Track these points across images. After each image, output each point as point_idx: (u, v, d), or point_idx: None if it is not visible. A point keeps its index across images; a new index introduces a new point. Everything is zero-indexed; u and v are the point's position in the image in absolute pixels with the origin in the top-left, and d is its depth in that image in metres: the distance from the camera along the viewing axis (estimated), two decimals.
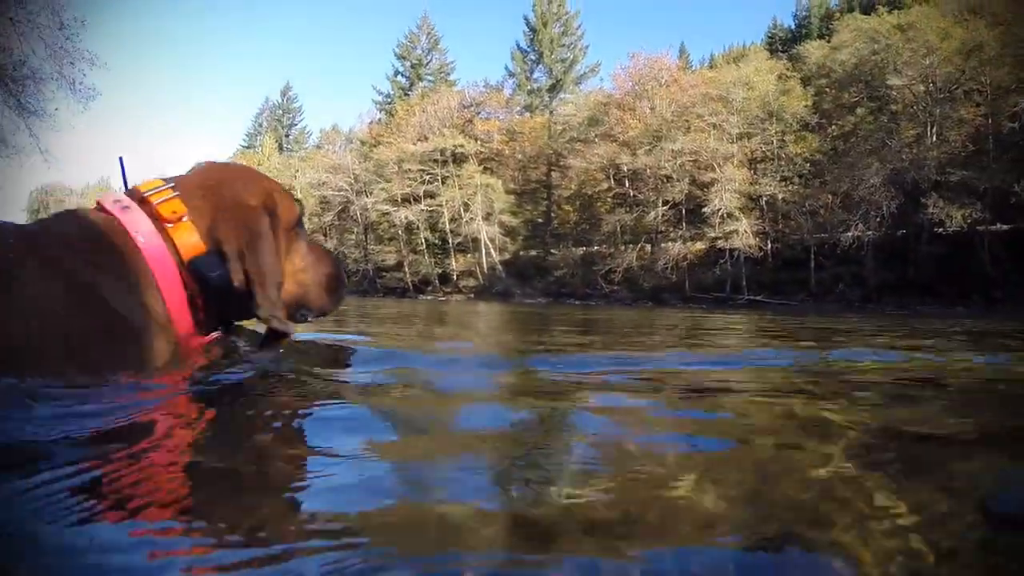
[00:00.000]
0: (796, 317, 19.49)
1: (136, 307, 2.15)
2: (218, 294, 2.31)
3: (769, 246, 49.23)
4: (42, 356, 1.89)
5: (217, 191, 2.39)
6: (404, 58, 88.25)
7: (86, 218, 2.23)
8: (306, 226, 2.99)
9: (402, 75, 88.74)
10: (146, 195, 2.33)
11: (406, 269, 68.49)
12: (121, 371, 2.05)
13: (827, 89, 50.18)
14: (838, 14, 69.05)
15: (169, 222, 2.28)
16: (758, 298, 45.27)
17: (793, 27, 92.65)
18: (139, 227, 2.23)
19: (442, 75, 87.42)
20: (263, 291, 2.32)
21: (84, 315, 1.99)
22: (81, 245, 2.10)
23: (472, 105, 70.98)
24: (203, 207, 2.34)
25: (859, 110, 48.26)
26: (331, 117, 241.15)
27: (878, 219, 43.89)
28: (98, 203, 2.33)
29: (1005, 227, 41.06)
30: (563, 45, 76.09)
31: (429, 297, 61.98)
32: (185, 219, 2.30)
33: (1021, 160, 39.84)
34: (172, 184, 2.40)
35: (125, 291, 2.12)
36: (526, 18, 77.50)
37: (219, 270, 2.28)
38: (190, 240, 2.29)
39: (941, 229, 41.39)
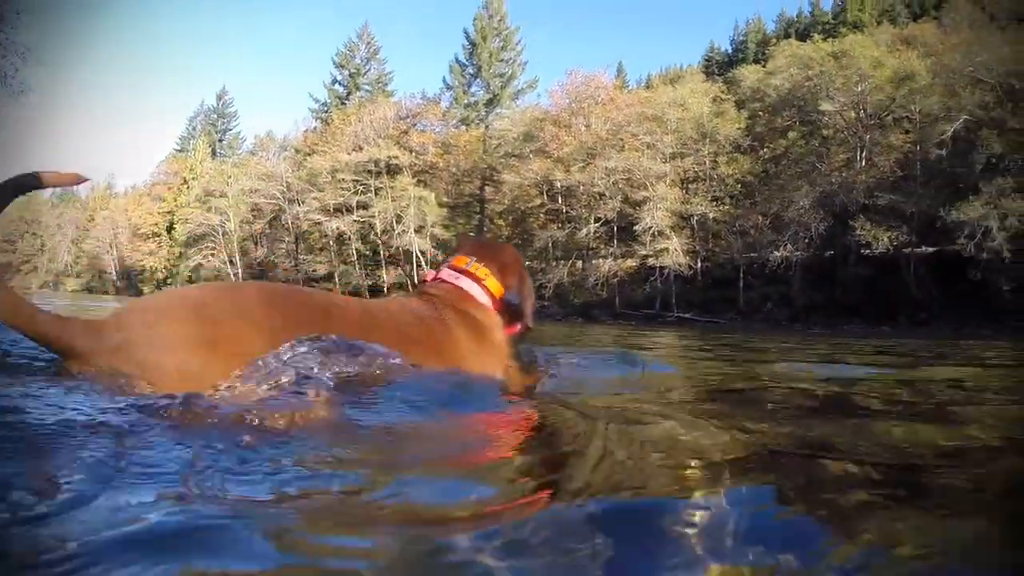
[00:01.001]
0: (724, 335, 20.54)
1: (490, 322, 3.48)
2: (511, 310, 3.64)
3: (699, 264, 49.65)
4: (462, 342, 3.22)
5: (498, 258, 3.70)
6: (343, 67, 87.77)
7: (445, 283, 3.50)
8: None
9: (340, 84, 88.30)
10: (466, 267, 3.59)
11: (337, 280, 67.99)
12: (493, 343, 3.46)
13: (760, 112, 50.87)
14: (774, 40, 70.25)
15: (481, 279, 3.56)
16: (687, 316, 45.58)
17: (730, 51, 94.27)
18: (470, 285, 3.51)
19: (380, 85, 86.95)
20: (530, 308, 3.75)
21: (471, 327, 3.31)
22: (454, 297, 3.40)
23: (408, 116, 70.61)
24: (494, 268, 3.62)
25: (791, 134, 48.96)
26: (266, 123, 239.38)
27: (807, 240, 44.70)
28: (437, 277, 3.59)
29: (930, 250, 42.28)
30: (502, 60, 76.30)
31: None
32: (489, 276, 3.59)
33: (947, 186, 41.09)
34: (473, 257, 3.65)
35: (481, 315, 3.44)
36: (466, 32, 77.82)
37: (514, 299, 3.63)
38: (496, 286, 3.58)
39: (868, 251, 42.13)
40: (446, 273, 3.55)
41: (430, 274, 3.65)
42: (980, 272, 37.50)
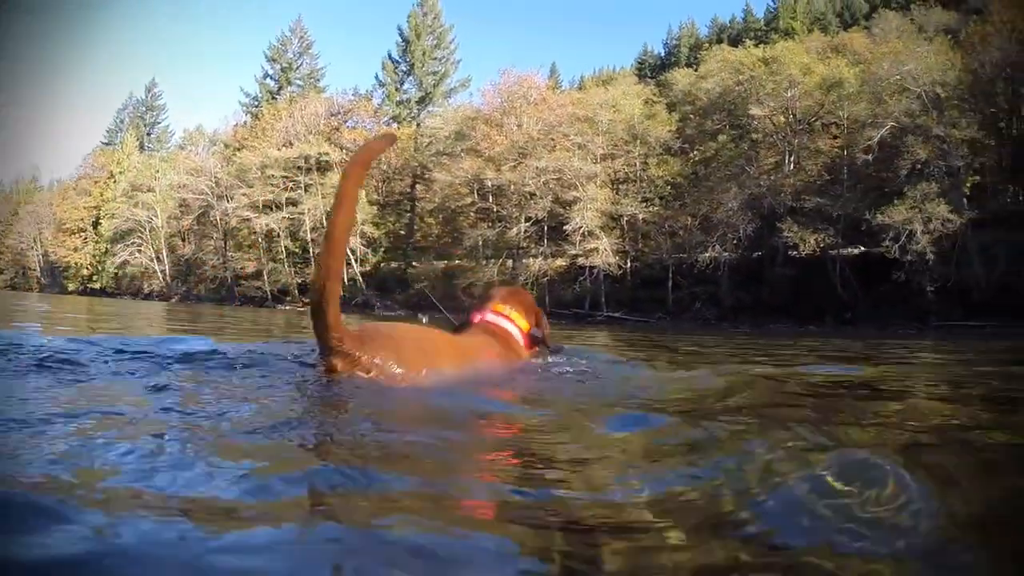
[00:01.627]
0: (652, 334, 21.43)
1: (519, 348, 4.55)
2: (536, 340, 4.68)
3: (629, 264, 49.75)
4: (511, 357, 4.37)
5: (523, 303, 4.76)
6: (275, 60, 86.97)
7: (492, 324, 4.48)
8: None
9: (271, 78, 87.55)
10: (504, 313, 4.58)
11: (265, 278, 67.04)
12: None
13: (691, 115, 51.20)
14: (707, 44, 70.83)
15: (513, 320, 4.60)
16: (616, 315, 45.79)
17: (663, 54, 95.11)
18: (509, 326, 4.54)
19: (312, 80, 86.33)
20: (548, 336, 4.85)
21: (509, 353, 4.35)
22: (502, 334, 4.45)
23: (340, 113, 70.15)
24: (521, 311, 4.69)
25: (721, 137, 49.33)
26: (196, 117, 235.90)
27: (735, 241, 45.27)
28: (484, 319, 4.53)
29: (856, 251, 43.37)
30: (435, 58, 76.11)
31: (288, 307, 60.76)
32: (520, 318, 4.65)
33: (873, 190, 42.29)
34: (507, 305, 4.65)
35: (515, 344, 4.51)
36: (400, 29, 77.54)
37: (539, 333, 4.70)
38: (524, 324, 4.63)
39: (795, 252, 42.84)
40: (491, 316, 4.61)
41: (477, 316, 4.61)
42: (904, 273, 38.36)
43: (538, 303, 4.95)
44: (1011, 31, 39.18)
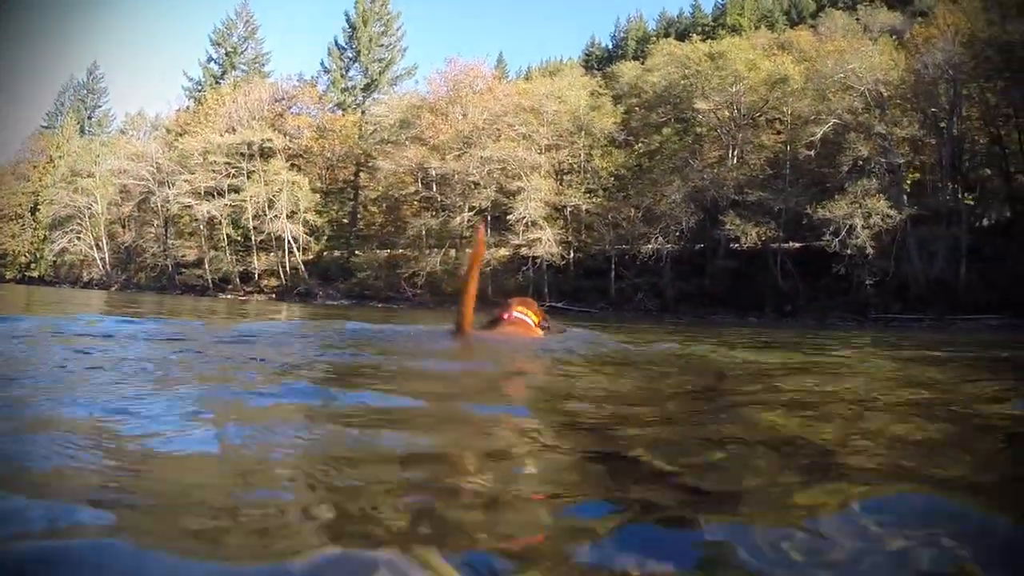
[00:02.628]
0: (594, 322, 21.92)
1: (535, 332, 6.54)
2: (544, 328, 6.75)
3: (572, 255, 49.96)
4: (535, 336, 6.68)
5: (531, 307, 6.71)
6: (219, 44, 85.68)
7: (516, 319, 6.45)
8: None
9: (215, 62, 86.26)
10: (522, 312, 6.53)
11: (207, 266, 65.87)
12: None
13: (637, 108, 51.40)
14: (654, 38, 71.20)
15: (528, 316, 6.54)
16: (559, 305, 45.69)
17: (611, 47, 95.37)
18: (527, 319, 6.50)
19: (256, 65, 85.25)
20: (552, 325, 6.85)
21: (532, 333, 6.48)
22: (525, 325, 6.48)
23: (284, 99, 69.23)
24: (532, 311, 6.63)
25: (666, 130, 49.66)
26: (138, 102, 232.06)
27: (677, 233, 45.59)
28: (511, 315, 6.46)
29: (797, 245, 44.26)
30: (381, 45, 75.33)
31: (229, 296, 60.02)
32: (532, 315, 6.58)
33: (814, 185, 42.70)
34: (522, 307, 6.63)
35: (532, 330, 6.49)
36: (347, 15, 76.45)
37: (545, 324, 6.81)
38: (535, 319, 6.56)
39: (737, 245, 43.22)
40: (517, 312, 6.66)
41: (505, 312, 6.64)
42: (844, 267, 39.08)
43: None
44: (955, 33, 39.87)
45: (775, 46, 52.98)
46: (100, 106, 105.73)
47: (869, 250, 38.25)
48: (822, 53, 44.68)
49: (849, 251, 38.61)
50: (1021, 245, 37.61)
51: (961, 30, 40.15)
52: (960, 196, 42.52)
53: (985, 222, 45.58)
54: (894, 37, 46.32)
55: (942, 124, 41.74)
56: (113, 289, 67.86)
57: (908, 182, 43.43)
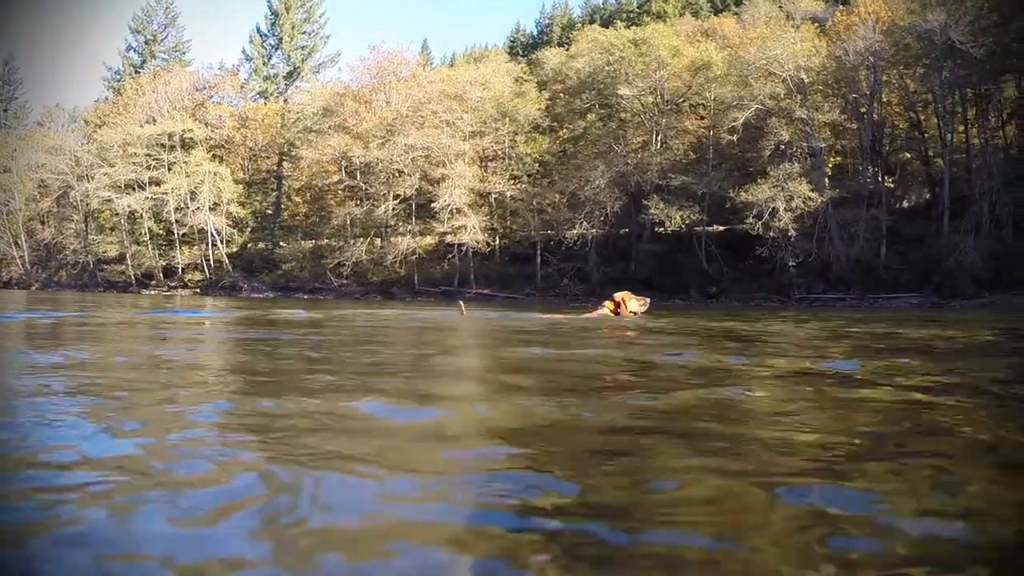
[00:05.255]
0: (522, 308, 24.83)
1: (626, 314, 16.87)
2: (632, 312, 16.94)
3: (497, 242, 50.10)
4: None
5: (626, 297, 16.94)
6: (139, 32, 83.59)
7: (614, 305, 16.99)
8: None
9: (135, 51, 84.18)
10: (617, 300, 16.86)
11: (129, 261, 64.40)
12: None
13: (561, 94, 51.35)
14: (580, 25, 71.23)
15: (624, 303, 16.81)
16: (486, 292, 45.79)
17: (536, 33, 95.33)
18: (628, 304, 16.81)
19: (176, 54, 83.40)
20: (638, 310, 17.11)
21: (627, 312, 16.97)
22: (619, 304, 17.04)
23: (205, 88, 67.93)
24: (627, 299, 16.84)
25: (590, 116, 49.52)
26: (56, 93, 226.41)
27: (602, 218, 46.02)
28: (613, 301, 17.00)
29: (721, 228, 45.03)
30: (304, 32, 74.40)
31: (153, 292, 58.80)
32: (624, 303, 16.80)
33: (737, 169, 43.67)
34: (620, 296, 17.07)
35: (625, 312, 16.80)
36: (269, 1, 75.29)
37: (634, 308, 17.06)
38: (631, 303, 16.92)
39: (662, 229, 43.40)
40: (621, 299, 16.65)
41: (607, 302, 16.81)
42: (768, 249, 39.67)
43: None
44: (876, 21, 40.54)
45: (699, 33, 53.44)
46: (16, 98, 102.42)
47: (792, 232, 38.88)
48: (745, 40, 45.13)
49: (772, 233, 39.22)
50: (939, 226, 38.36)
51: (882, 18, 40.91)
52: (880, 179, 43.35)
53: (905, 204, 46.53)
54: (816, 24, 46.72)
55: (863, 109, 42.36)
56: (33, 288, 66.11)
57: (830, 166, 44.14)
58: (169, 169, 61.63)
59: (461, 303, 19.77)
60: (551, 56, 55.14)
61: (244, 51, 76.35)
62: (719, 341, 10.15)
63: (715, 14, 62.50)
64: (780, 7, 54.96)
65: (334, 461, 2.51)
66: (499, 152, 50.97)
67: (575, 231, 45.38)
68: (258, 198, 65.03)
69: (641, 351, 8.27)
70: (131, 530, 1.84)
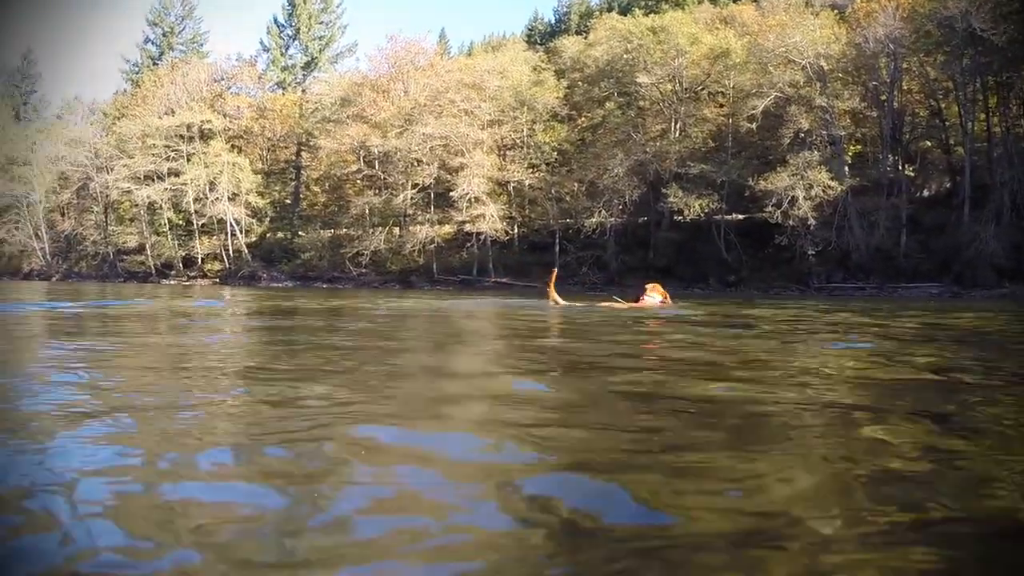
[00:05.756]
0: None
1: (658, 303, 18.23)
2: (663, 302, 18.39)
3: (516, 230, 50.05)
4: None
5: (659, 289, 18.39)
6: (156, 24, 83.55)
7: (648, 296, 18.22)
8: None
9: (153, 43, 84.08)
10: (651, 291, 18.24)
11: (148, 252, 64.71)
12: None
13: (579, 82, 51.26)
14: (598, 13, 70.91)
15: (659, 292, 18.32)
16: (504, 280, 45.89)
17: (553, 22, 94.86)
18: (656, 296, 18.20)
19: (194, 45, 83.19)
20: (669, 300, 18.51)
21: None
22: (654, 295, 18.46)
23: (223, 79, 68.12)
24: (659, 291, 18.30)
25: (608, 104, 49.45)
26: (75, 86, 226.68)
27: (621, 207, 45.98)
28: (645, 293, 18.25)
29: (740, 217, 44.72)
30: (322, 22, 74.25)
31: (173, 282, 59.18)
32: (658, 294, 18.20)
33: (756, 157, 43.32)
34: (654, 289, 18.37)
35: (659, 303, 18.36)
36: None
37: (666, 300, 18.55)
38: (661, 295, 18.27)
39: (680, 217, 43.31)
40: (649, 288, 18.23)
41: (643, 294, 18.09)
42: (787, 237, 39.59)
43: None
44: (896, 8, 40.28)
45: (718, 20, 53.09)
46: (35, 91, 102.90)
47: (811, 221, 38.75)
48: (764, 27, 44.81)
49: (791, 222, 39.04)
50: (960, 215, 38.18)
51: (902, 4, 40.67)
52: (900, 167, 42.97)
53: (925, 193, 46.24)
54: (836, 11, 46.55)
55: (883, 97, 42.18)
56: (54, 279, 66.48)
57: (849, 154, 43.92)
58: (188, 160, 61.78)
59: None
60: (569, 44, 55.00)
61: (261, 42, 76.26)
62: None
63: (734, 1, 62.02)
64: None
65: None
66: (517, 141, 50.97)
67: (594, 220, 45.26)
68: (277, 188, 65.07)
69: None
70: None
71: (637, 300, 18.22)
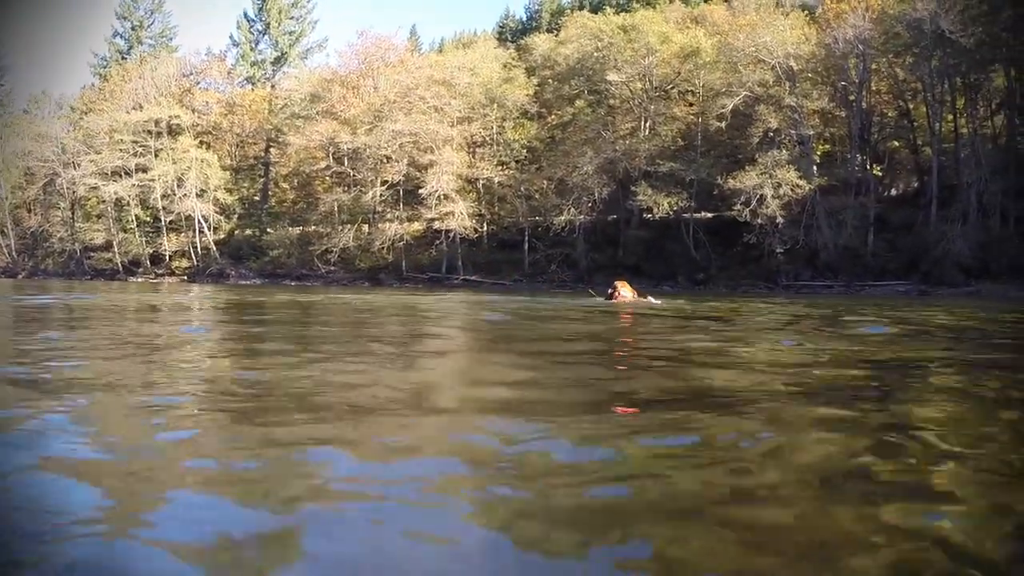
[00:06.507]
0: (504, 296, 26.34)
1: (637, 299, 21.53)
2: (638, 296, 21.94)
3: (485, 228, 49.96)
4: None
5: (628, 285, 21.83)
6: (125, 18, 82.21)
7: (623, 291, 21.36)
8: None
9: (121, 37, 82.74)
10: (624, 287, 21.51)
11: (116, 249, 63.93)
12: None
13: (550, 80, 51.45)
14: (569, 11, 71.08)
15: (628, 288, 21.64)
16: (473, 278, 45.86)
17: (525, 19, 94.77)
18: (627, 292, 21.30)
19: (163, 39, 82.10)
20: (642, 295, 21.92)
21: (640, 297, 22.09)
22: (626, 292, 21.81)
23: (192, 74, 67.60)
24: (628, 286, 21.61)
25: (578, 102, 49.71)
26: (42, 80, 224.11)
27: (590, 204, 46.03)
28: (618, 291, 21.42)
29: (709, 215, 45.14)
30: (292, 17, 73.63)
31: (140, 279, 58.50)
32: (630, 290, 21.57)
33: (725, 156, 43.72)
34: (623, 285, 21.57)
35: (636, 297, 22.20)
36: None
37: (639, 295, 22.27)
38: (631, 292, 21.47)
39: (649, 215, 43.54)
40: (619, 285, 21.27)
41: (615, 290, 21.10)
42: (755, 236, 39.83)
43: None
44: (865, 9, 40.74)
45: (688, 19, 53.35)
46: (2, 85, 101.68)
47: (779, 219, 39.08)
48: (734, 27, 45.15)
49: (760, 221, 39.36)
50: (927, 214, 38.52)
51: (872, 6, 41.12)
52: (868, 167, 43.51)
53: (893, 192, 46.69)
54: (806, 12, 46.88)
55: (852, 97, 42.49)
56: (20, 276, 65.62)
57: (818, 153, 44.19)
58: (156, 156, 61.17)
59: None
60: (540, 42, 55.10)
61: (231, 36, 75.48)
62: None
63: (705, 1, 62.23)
64: None
65: None
66: (487, 138, 51.06)
67: (563, 217, 45.27)
68: (245, 185, 64.64)
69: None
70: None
71: (612, 296, 21.23)
